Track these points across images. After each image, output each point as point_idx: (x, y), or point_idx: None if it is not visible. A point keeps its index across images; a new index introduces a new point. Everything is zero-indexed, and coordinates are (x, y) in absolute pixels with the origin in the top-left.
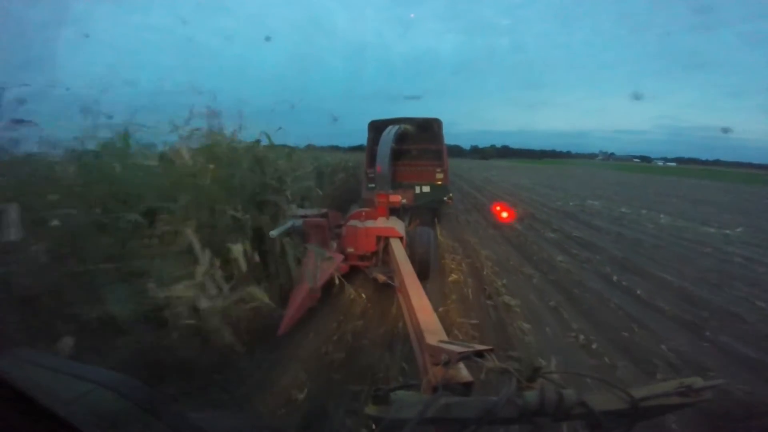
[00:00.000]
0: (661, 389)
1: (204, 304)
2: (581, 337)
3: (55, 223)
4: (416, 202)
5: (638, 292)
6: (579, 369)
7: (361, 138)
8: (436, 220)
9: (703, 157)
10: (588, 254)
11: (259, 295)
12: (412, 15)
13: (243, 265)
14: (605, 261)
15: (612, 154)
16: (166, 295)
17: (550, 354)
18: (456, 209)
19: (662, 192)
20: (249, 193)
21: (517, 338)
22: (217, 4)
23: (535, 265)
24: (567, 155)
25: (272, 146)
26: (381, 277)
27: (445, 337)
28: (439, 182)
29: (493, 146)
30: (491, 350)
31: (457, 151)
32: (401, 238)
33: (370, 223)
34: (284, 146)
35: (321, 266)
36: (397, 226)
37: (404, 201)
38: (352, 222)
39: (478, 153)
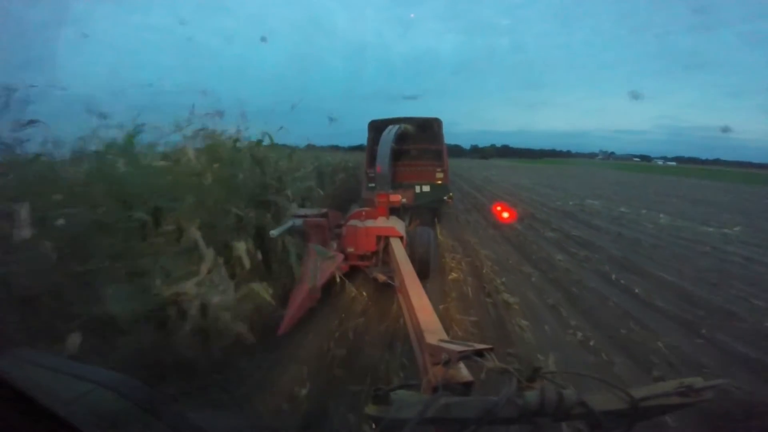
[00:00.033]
0: (661, 389)
1: (216, 298)
2: (579, 334)
3: (60, 222)
4: (416, 202)
5: (636, 290)
6: (577, 365)
7: (361, 138)
8: (436, 219)
9: (703, 157)
10: (587, 253)
11: (262, 292)
12: (412, 15)
13: (246, 263)
14: (604, 260)
15: (612, 153)
16: (173, 292)
17: (549, 351)
18: (456, 209)
19: (662, 192)
20: (252, 193)
21: (516, 335)
22: (217, 4)
23: (534, 264)
24: (567, 155)
25: (273, 146)
26: (381, 277)
27: (445, 337)
28: (439, 182)
29: (493, 146)
30: (491, 349)
31: (457, 151)
32: (401, 238)
33: (370, 223)
34: (285, 146)
35: (321, 266)
36: (398, 225)
37: (404, 201)
38: (352, 222)
39: (478, 153)
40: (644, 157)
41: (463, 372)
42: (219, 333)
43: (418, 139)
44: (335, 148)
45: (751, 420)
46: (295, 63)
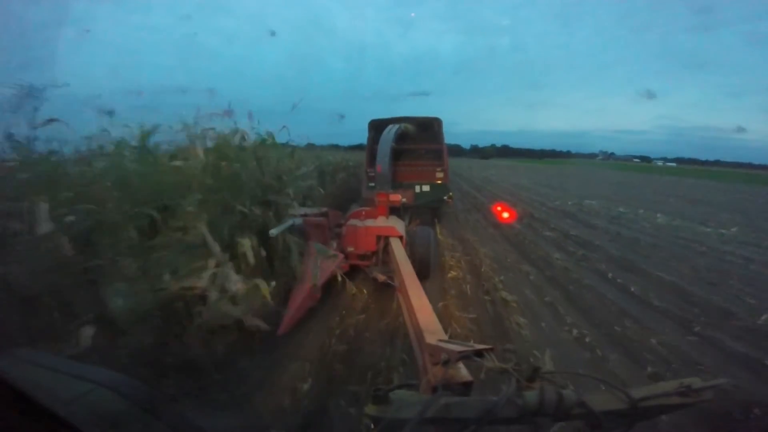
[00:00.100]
0: (661, 389)
1: (228, 291)
2: (575, 331)
3: (70, 218)
4: (416, 202)
5: (632, 288)
6: (572, 361)
7: (361, 137)
8: (436, 219)
9: (703, 157)
10: (585, 252)
11: (263, 289)
12: (412, 15)
13: (251, 259)
14: (601, 259)
15: (612, 153)
16: (181, 287)
17: (545, 347)
18: (456, 208)
19: (661, 192)
20: (255, 191)
21: (514, 332)
22: (217, 4)
23: (533, 263)
24: (567, 155)
25: (276, 145)
26: (381, 277)
27: (444, 337)
28: (439, 181)
29: (493, 146)
30: (491, 349)
31: (457, 151)
32: (401, 238)
33: (370, 223)
34: (287, 145)
35: (322, 265)
36: (397, 225)
37: (404, 200)
38: (352, 221)
39: (478, 152)
40: (644, 158)
41: (463, 372)
42: (225, 328)
43: (418, 139)
44: (335, 147)
45: (751, 420)
46: (295, 63)
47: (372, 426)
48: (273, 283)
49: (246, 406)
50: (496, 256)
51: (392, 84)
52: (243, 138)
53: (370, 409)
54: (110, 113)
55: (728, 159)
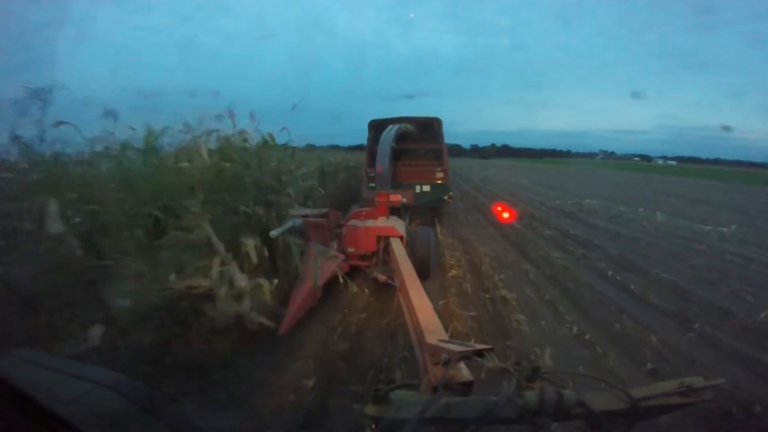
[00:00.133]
0: (661, 389)
1: (240, 284)
2: (575, 328)
3: (76, 220)
4: (416, 202)
5: (631, 287)
6: (571, 358)
7: (361, 137)
8: (436, 219)
9: (704, 156)
10: (584, 251)
11: (265, 288)
12: (412, 15)
13: (254, 259)
14: (601, 258)
15: (612, 153)
16: (186, 285)
17: (545, 344)
18: (456, 208)
19: (661, 191)
20: (258, 191)
21: (513, 329)
22: (217, 4)
23: (532, 262)
24: (567, 155)
25: (276, 146)
26: (381, 277)
27: (445, 337)
28: (440, 181)
29: (493, 145)
30: (491, 349)
31: (457, 151)
32: (401, 238)
33: (370, 223)
34: (288, 145)
35: (322, 265)
36: (398, 225)
37: (404, 200)
38: (353, 222)
39: (478, 152)
40: (644, 157)
41: (463, 372)
42: (226, 328)
43: (418, 139)
44: (335, 147)
45: (751, 420)
46: (295, 63)
47: (372, 426)
48: (276, 281)
49: (246, 406)
50: (496, 255)
51: (392, 84)
52: (245, 139)
53: (371, 409)
54: (113, 115)
55: (728, 158)
